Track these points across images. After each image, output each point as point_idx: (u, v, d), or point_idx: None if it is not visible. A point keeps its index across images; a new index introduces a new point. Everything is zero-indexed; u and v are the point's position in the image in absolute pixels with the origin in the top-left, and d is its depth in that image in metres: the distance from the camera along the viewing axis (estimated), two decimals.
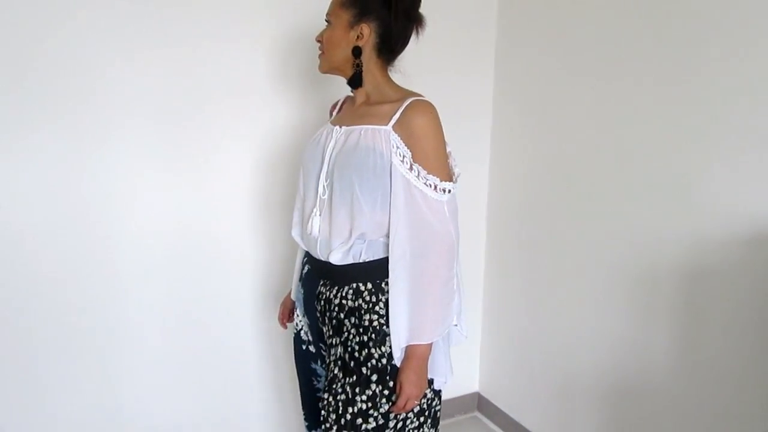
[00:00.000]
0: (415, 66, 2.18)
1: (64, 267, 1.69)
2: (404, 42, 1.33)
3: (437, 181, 1.23)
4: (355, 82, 1.33)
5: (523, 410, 2.28)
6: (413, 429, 1.33)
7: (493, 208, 2.36)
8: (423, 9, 1.35)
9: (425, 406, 1.34)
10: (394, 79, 1.38)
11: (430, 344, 1.27)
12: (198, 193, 1.83)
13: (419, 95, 1.30)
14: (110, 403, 1.82)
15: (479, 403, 2.52)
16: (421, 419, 1.34)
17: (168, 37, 1.70)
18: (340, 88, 1.51)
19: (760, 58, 1.36)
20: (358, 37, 1.29)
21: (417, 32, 1.34)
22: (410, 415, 1.31)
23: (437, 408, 1.40)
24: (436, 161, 1.23)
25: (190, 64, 1.74)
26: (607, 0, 1.75)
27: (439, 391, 1.39)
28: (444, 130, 1.27)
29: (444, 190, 1.24)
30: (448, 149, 1.30)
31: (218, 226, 1.88)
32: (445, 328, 1.30)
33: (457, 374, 2.45)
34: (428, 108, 1.25)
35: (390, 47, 1.31)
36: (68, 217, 1.67)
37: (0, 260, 1.61)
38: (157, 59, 1.69)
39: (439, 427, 1.43)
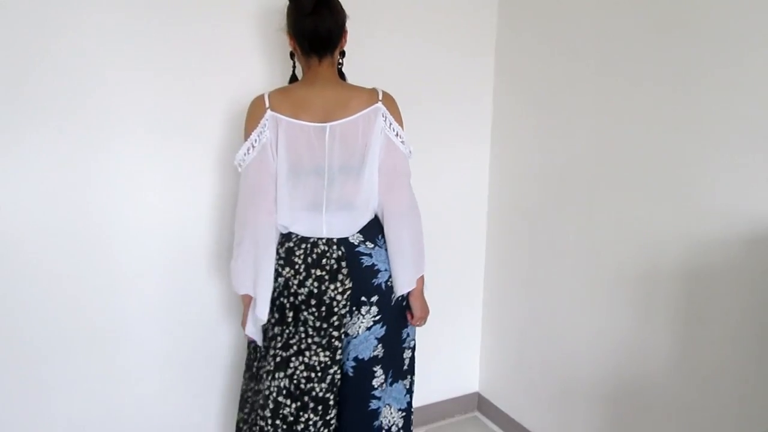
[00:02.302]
0: (415, 66, 2.18)
1: (64, 268, 1.69)
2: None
3: None
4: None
5: (523, 410, 2.28)
6: None
7: (493, 207, 2.36)
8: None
9: None
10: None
11: None
12: (198, 194, 1.83)
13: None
14: (111, 403, 1.82)
15: (479, 403, 2.52)
16: None
17: (169, 40, 1.70)
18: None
19: (760, 58, 1.36)
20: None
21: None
22: None
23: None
24: None
25: (191, 67, 1.74)
26: None
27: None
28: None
29: None
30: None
31: (218, 227, 1.88)
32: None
33: (457, 374, 2.47)
34: None
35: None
36: (68, 219, 1.67)
37: (0, 261, 1.61)
38: (158, 62, 1.70)
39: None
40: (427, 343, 2.36)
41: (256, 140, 1.49)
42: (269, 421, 1.53)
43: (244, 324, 1.59)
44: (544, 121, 2.05)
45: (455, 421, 2.47)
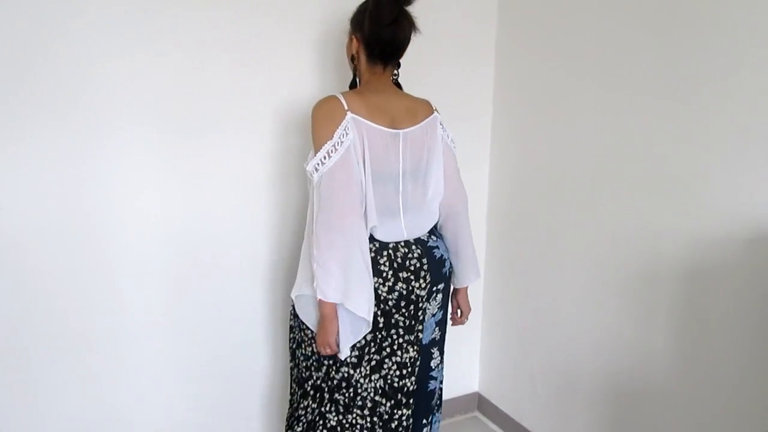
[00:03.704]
0: (415, 67, 2.19)
1: (64, 268, 1.69)
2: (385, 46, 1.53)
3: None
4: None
5: (523, 410, 2.28)
6: None
7: (493, 208, 2.36)
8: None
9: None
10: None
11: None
12: (197, 194, 1.83)
13: None
14: (111, 403, 1.82)
15: (479, 403, 2.52)
16: None
17: (168, 38, 1.69)
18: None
19: (760, 58, 1.36)
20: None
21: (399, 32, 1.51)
22: None
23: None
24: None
25: (191, 65, 1.74)
26: (608, 0, 1.76)
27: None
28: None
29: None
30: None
31: (218, 227, 1.88)
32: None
33: (457, 374, 2.47)
34: None
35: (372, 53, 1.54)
36: (68, 218, 1.67)
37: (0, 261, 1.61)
38: (158, 60, 1.69)
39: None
40: None
41: (338, 142, 1.42)
42: (368, 419, 1.60)
43: (326, 341, 1.48)
44: (544, 122, 2.06)
45: (455, 421, 2.47)
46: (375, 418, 1.60)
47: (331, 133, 1.43)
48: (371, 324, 1.49)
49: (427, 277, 1.59)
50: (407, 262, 1.57)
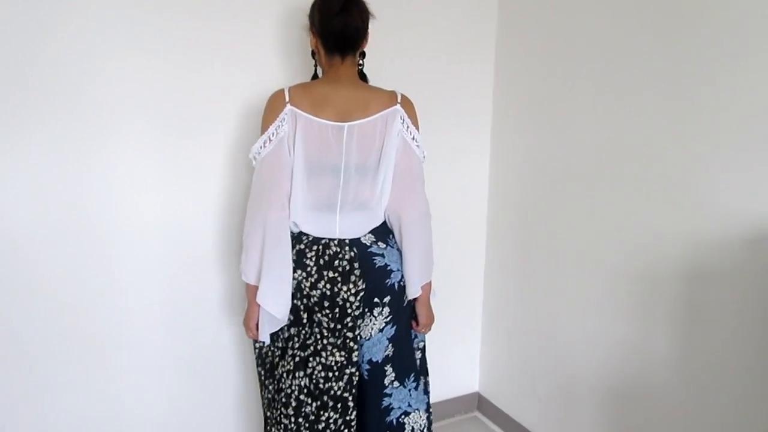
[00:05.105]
0: (415, 66, 2.18)
1: (64, 267, 1.69)
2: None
3: None
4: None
5: (523, 410, 2.28)
6: None
7: (493, 207, 2.36)
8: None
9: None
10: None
11: None
12: (196, 194, 1.83)
13: None
14: (111, 403, 1.82)
15: (479, 403, 2.52)
16: None
17: (166, 39, 1.69)
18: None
19: (760, 58, 1.36)
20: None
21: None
22: None
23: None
24: None
25: (188, 67, 1.74)
26: (609, 0, 1.76)
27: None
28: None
29: None
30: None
31: (221, 225, 1.88)
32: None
33: (457, 374, 2.47)
34: None
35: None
36: (66, 219, 1.67)
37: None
38: (155, 61, 1.69)
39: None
40: (427, 343, 2.36)
41: (273, 133, 1.48)
42: (292, 419, 1.55)
43: (247, 324, 1.57)
44: (544, 122, 2.05)
45: (455, 421, 2.46)
46: (300, 419, 1.55)
47: (269, 124, 1.48)
48: (284, 320, 1.52)
49: (359, 283, 1.52)
50: (335, 262, 1.51)
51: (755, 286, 1.41)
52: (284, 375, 1.57)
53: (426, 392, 1.72)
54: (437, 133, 2.19)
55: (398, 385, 1.63)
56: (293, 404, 1.55)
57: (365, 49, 1.57)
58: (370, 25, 1.54)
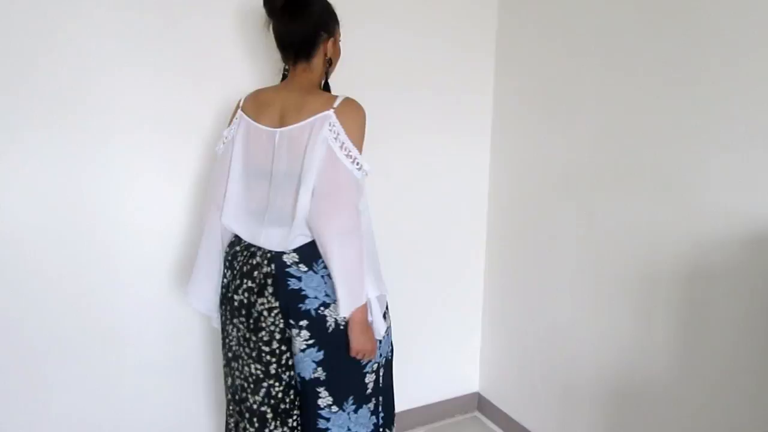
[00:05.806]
0: (414, 66, 2.18)
1: (63, 267, 1.69)
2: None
3: None
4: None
5: (523, 410, 2.28)
6: None
7: (493, 208, 2.36)
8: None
9: None
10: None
11: None
12: (195, 193, 1.83)
13: None
14: (111, 402, 1.83)
15: (479, 403, 2.52)
16: None
17: (167, 40, 1.70)
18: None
19: (761, 57, 1.36)
20: None
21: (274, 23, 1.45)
22: None
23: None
24: None
25: (189, 67, 1.74)
26: None
27: None
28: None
29: None
30: None
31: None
32: None
33: (457, 374, 2.47)
34: None
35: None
36: (67, 218, 1.67)
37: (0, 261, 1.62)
38: (157, 62, 1.70)
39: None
40: (427, 343, 2.37)
41: (226, 137, 1.54)
42: (236, 413, 1.58)
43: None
44: (544, 121, 2.05)
45: (455, 421, 2.46)
46: (231, 419, 1.60)
47: (227, 127, 1.55)
48: (208, 313, 1.62)
49: (272, 300, 1.42)
50: (255, 272, 1.44)
51: (755, 287, 1.41)
52: (223, 362, 1.62)
53: (374, 413, 1.56)
54: (437, 133, 2.19)
55: (336, 409, 1.49)
56: (230, 398, 1.60)
57: (333, 57, 1.51)
58: (341, 30, 1.50)
